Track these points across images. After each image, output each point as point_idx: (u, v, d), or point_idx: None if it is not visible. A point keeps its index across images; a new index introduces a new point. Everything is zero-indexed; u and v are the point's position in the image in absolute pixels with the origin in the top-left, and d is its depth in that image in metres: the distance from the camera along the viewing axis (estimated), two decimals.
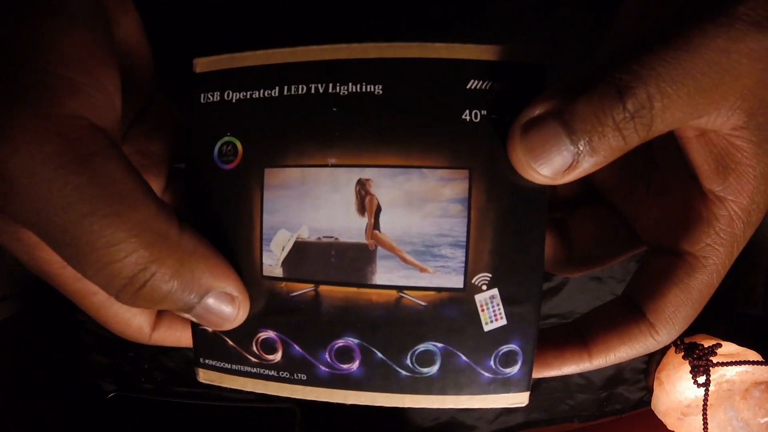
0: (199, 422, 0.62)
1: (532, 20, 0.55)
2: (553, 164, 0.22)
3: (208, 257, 0.24)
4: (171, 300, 0.23)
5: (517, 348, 0.25)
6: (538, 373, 0.28)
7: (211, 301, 0.24)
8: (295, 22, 0.52)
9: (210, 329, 0.27)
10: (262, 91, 0.26)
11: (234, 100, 0.27)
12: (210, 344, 0.28)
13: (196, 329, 0.28)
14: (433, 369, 0.26)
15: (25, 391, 0.58)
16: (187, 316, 0.25)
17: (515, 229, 0.25)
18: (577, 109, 0.21)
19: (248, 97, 0.27)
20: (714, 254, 0.25)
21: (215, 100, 0.27)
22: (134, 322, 0.28)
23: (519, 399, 0.26)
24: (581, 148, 0.22)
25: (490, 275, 0.25)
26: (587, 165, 0.22)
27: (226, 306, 0.25)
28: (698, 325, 0.67)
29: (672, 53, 0.21)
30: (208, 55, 0.28)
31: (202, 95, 0.27)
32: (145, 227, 0.22)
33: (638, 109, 0.21)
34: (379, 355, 0.26)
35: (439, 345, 0.25)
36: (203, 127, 0.27)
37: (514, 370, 0.25)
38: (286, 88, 0.26)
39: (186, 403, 0.63)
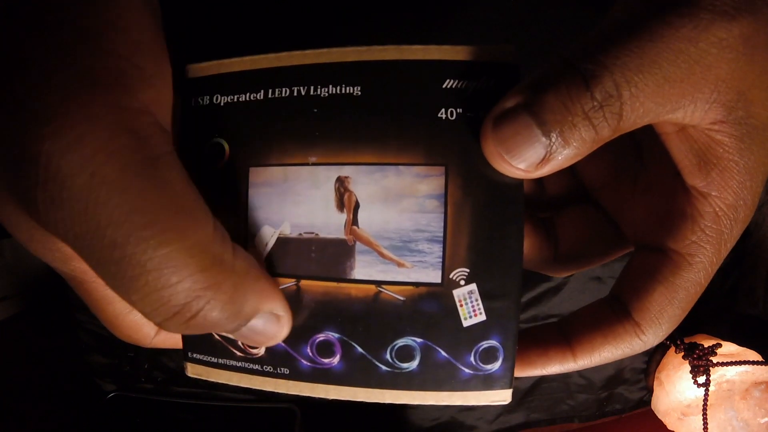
0: (199, 422, 0.62)
1: (532, 20, 0.55)
2: (526, 156, 0.22)
3: (259, 278, 0.23)
4: (219, 327, 0.21)
5: (498, 344, 0.25)
6: (522, 372, 0.28)
7: (256, 322, 0.23)
8: (281, 29, 0.52)
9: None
10: (248, 95, 0.27)
11: (222, 104, 0.27)
12: (197, 339, 0.28)
13: None
14: (413, 364, 0.26)
15: (25, 391, 0.58)
16: (225, 334, 0.23)
17: (492, 224, 0.25)
18: (546, 101, 0.22)
19: (235, 100, 0.27)
20: (700, 252, 0.24)
21: (205, 103, 0.28)
22: (144, 329, 0.28)
23: (501, 396, 0.26)
24: (553, 139, 0.22)
25: (468, 270, 0.25)
26: (561, 157, 0.22)
27: (271, 325, 0.24)
28: (698, 325, 0.67)
29: (637, 43, 0.21)
30: (199, 61, 0.28)
31: (193, 99, 0.28)
32: (204, 248, 0.20)
33: (606, 97, 0.21)
34: (359, 349, 0.26)
35: (419, 340, 0.26)
36: (193, 128, 0.28)
37: (495, 366, 0.25)
38: (270, 91, 0.27)
39: (186, 403, 0.63)
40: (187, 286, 0.19)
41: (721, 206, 0.24)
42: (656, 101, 0.21)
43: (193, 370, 0.29)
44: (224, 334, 0.23)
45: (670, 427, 0.64)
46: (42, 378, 0.60)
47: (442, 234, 0.25)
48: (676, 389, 0.62)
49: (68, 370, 0.64)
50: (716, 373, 0.60)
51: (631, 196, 0.29)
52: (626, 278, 0.28)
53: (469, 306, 0.25)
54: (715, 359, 0.59)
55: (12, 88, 0.18)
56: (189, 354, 0.28)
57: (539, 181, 0.33)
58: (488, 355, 0.25)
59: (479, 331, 0.25)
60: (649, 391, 0.67)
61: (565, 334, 0.28)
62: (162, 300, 0.19)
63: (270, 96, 0.27)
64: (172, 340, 0.29)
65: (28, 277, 0.60)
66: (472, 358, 0.25)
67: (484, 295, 0.25)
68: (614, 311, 0.27)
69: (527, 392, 0.66)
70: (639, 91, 0.21)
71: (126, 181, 0.18)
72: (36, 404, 0.59)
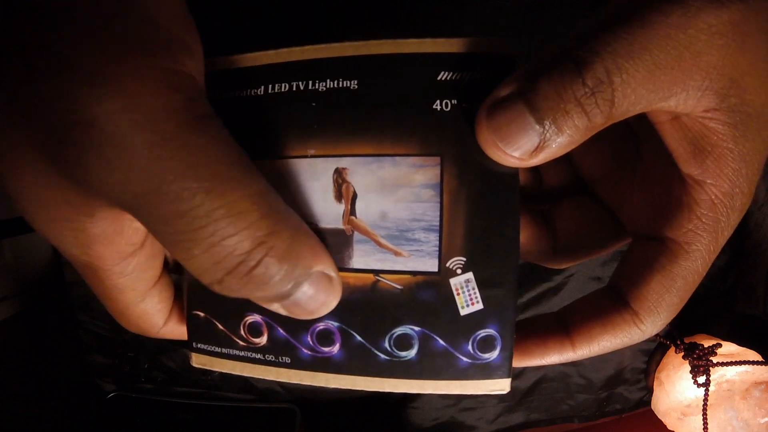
0: (199, 422, 0.62)
1: (531, 20, 0.55)
2: (520, 144, 0.22)
3: (310, 235, 0.23)
4: (274, 287, 0.21)
5: (495, 332, 0.25)
6: (520, 362, 0.28)
7: (307, 289, 0.22)
8: (279, 25, 0.52)
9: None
10: (248, 91, 0.27)
11: (224, 99, 0.28)
12: (202, 329, 0.28)
13: (190, 314, 0.29)
14: (411, 353, 0.26)
15: (25, 391, 0.58)
16: (275, 306, 0.23)
17: (488, 213, 0.25)
18: (539, 88, 0.22)
19: (237, 96, 0.28)
20: (697, 240, 0.25)
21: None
22: (153, 318, 0.28)
23: (499, 386, 0.26)
24: (547, 127, 0.22)
25: (464, 259, 0.25)
26: (555, 145, 0.22)
27: (324, 287, 0.23)
28: (698, 325, 0.67)
29: (627, 29, 0.21)
30: None
31: None
32: (263, 196, 0.20)
33: (597, 84, 0.21)
34: (358, 338, 0.26)
35: (416, 328, 0.26)
36: None
37: (493, 355, 0.26)
38: (270, 87, 0.27)
39: (186, 403, 0.63)
40: (252, 233, 0.19)
41: (717, 194, 0.24)
42: (648, 88, 0.22)
43: (197, 360, 0.29)
44: (273, 305, 0.22)
45: (670, 427, 0.64)
46: (42, 378, 0.60)
47: (438, 223, 0.25)
48: (676, 389, 0.62)
49: (68, 370, 0.64)
50: (716, 373, 0.59)
51: (629, 187, 0.29)
52: (624, 268, 0.28)
53: (466, 295, 0.25)
54: (715, 359, 0.59)
55: (58, 51, 0.18)
56: (194, 344, 0.29)
57: (537, 173, 0.33)
58: (486, 344, 0.26)
59: (476, 320, 0.25)
60: (649, 391, 0.67)
61: (564, 323, 0.28)
62: (227, 250, 0.19)
63: (270, 91, 0.27)
64: (179, 331, 0.29)
65: (28, 277, 0.60)
66: (469, 347, 0.26)
67: (481, 284, 0.25)
68: (612, 301, 0.27)
69: (527, 392, 0.66)
70: (630, 77, 0.21)
71: (185, 137, 0.19)
72: (36, 404, 0.59)
